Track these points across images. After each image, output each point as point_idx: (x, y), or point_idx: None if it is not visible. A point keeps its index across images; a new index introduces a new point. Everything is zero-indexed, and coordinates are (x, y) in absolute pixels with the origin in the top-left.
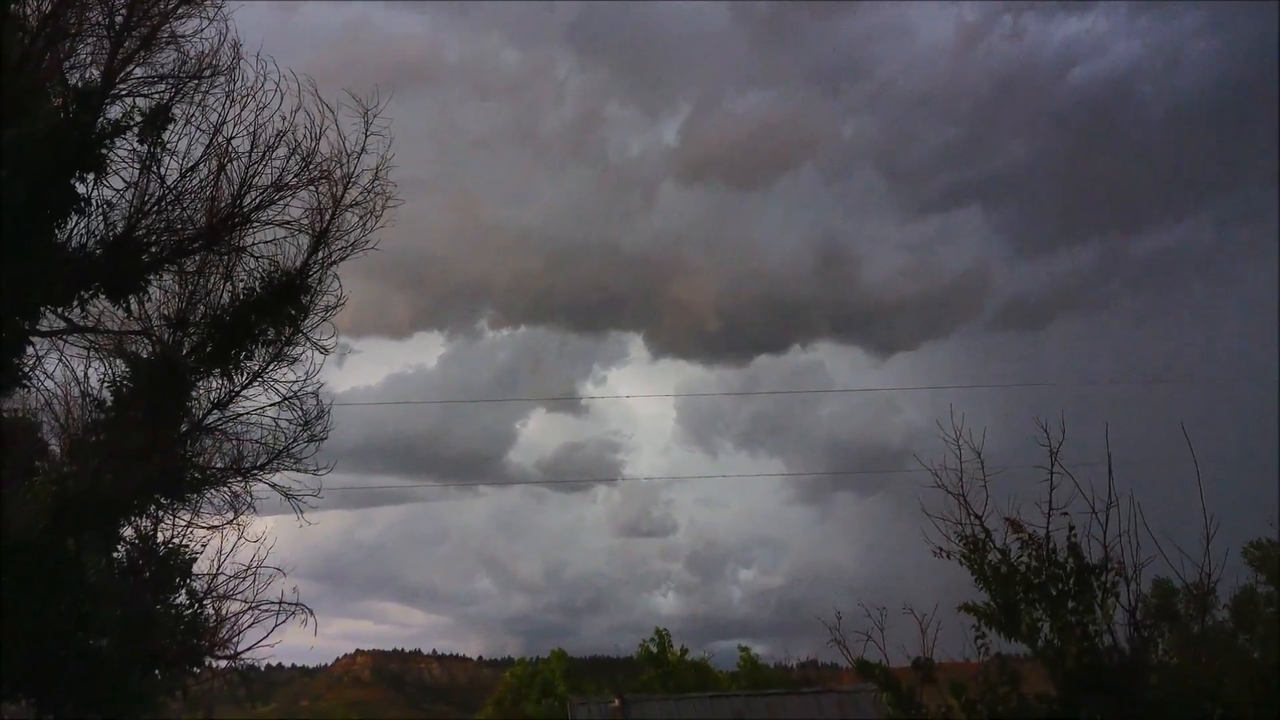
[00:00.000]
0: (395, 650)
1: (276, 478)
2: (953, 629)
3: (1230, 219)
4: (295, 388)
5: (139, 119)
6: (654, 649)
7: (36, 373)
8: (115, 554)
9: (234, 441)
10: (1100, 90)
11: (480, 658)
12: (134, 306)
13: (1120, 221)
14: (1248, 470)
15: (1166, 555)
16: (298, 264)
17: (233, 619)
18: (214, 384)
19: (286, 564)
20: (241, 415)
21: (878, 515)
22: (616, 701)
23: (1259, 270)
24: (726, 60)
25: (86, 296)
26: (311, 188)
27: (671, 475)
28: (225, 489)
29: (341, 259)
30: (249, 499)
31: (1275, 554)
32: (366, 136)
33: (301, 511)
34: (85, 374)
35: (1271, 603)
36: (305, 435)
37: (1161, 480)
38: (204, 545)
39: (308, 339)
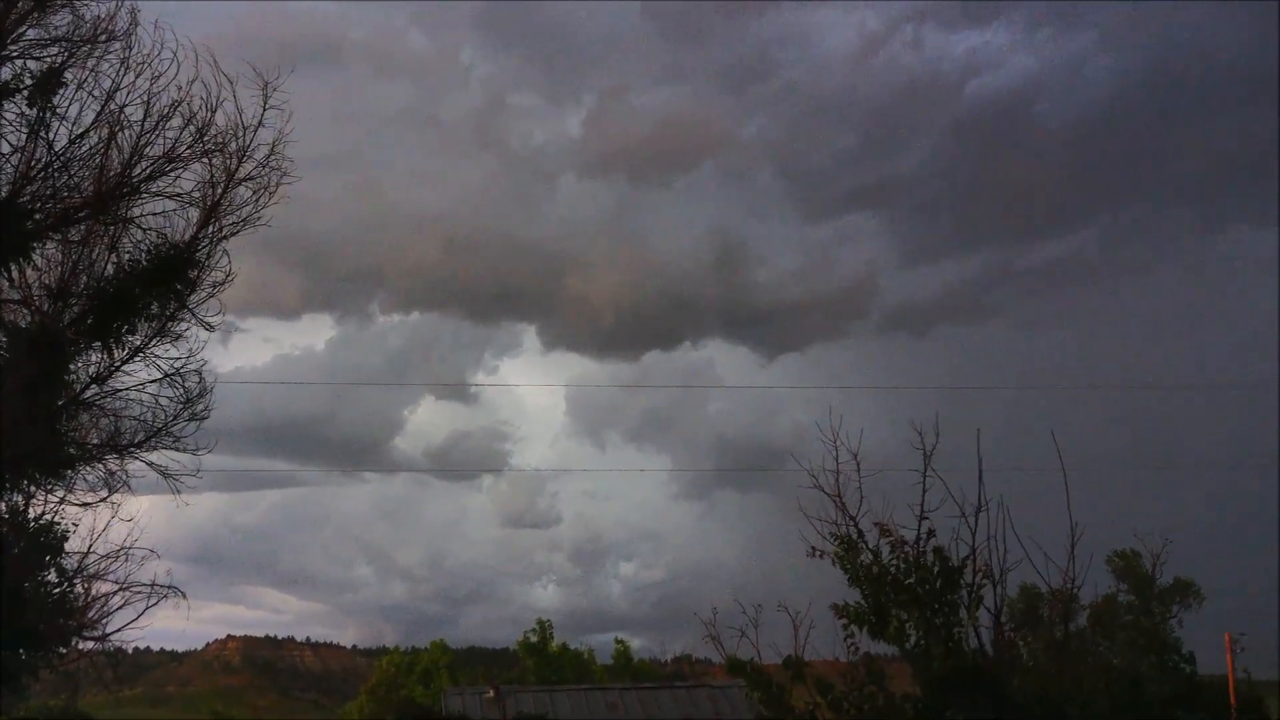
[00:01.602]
0: (268, 636)
1: (154, 456)
2: (826, 628)
3: (1116, 234)
4: (177, 365)
5: (29, 82)
6: (534, 640)
7: None
8: None
9: (112, 417)
10: (996, 103)
11: (355, 646)
12: (14, 274)
13: (1009, 232)
14: (1117, 478)
15: (1033, 560)
16: (186, 238)
17: (102, 600)
18: (93, 358)
19: (161, 545)
20: (121, 391)
21: (759, 513)
22: (491, 692)
23: (1142, 284)
24: (633, 55)
25: None
26: (205, 160)
27: (559, 467)
28: (101, 466)
29: (232, 235)
30: (125, 477)
31: (1136, 564)
32: (265, 110)
33: (179, 492)
34: None
35: (1132, 611)
36: (186, 414)
37: (1033, 487)
38: (76, 523)
39: (193, 315)
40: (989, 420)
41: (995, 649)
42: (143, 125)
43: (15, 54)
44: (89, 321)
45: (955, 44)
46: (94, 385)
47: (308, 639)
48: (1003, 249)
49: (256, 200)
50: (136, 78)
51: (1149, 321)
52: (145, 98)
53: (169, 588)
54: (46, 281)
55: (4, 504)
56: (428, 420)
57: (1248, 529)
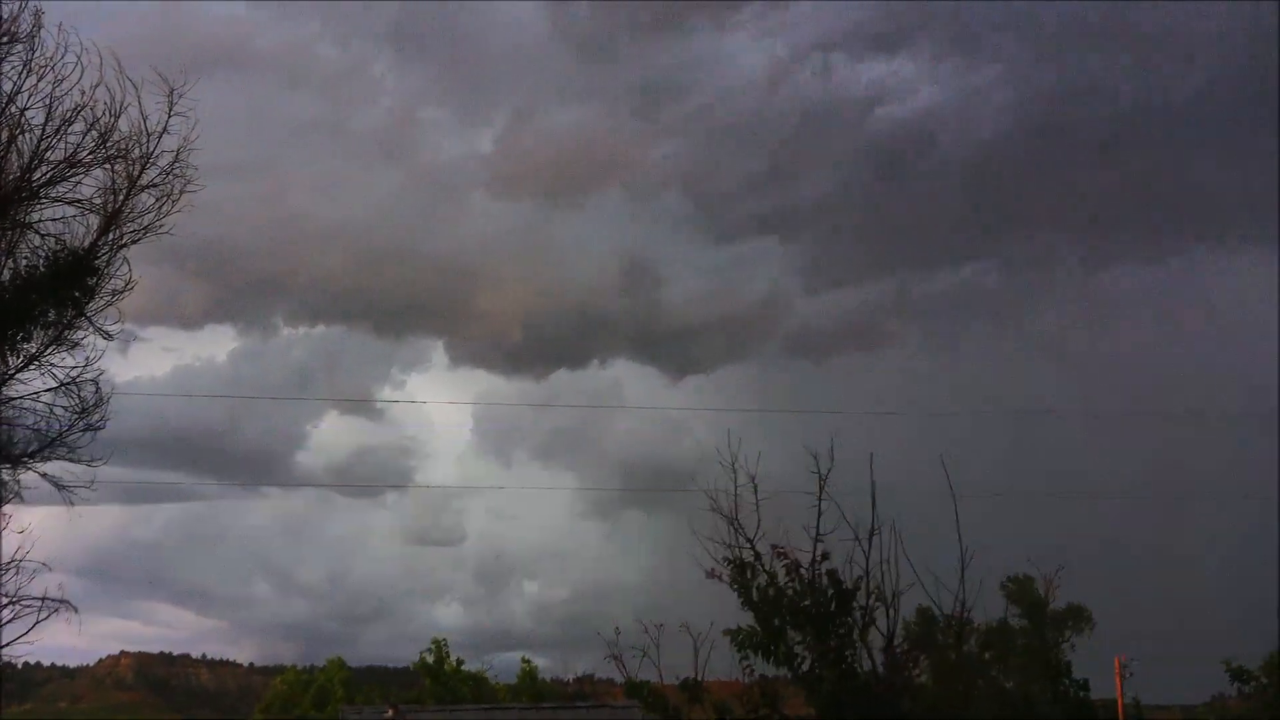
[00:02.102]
0: (163, 653)
1: (48, 467)
2: (725, 648)
3: (1013, 265)
4: (74, 373)
5: None
6: (430, 659)
7: None
8: None
9: (4, 426)
10: (900, 132)
11: (252, 664)
12: None
13: (911, 260)
14: (1011, 505)
15: (924, 584)
16: (86, 245)
17: None
18: None
19: (54, 558)
20: (14, 400)
21: (664, 534)
22: (390, 712)
23: (1040, 312)
24: (545, 74)
25: None
26: (107, 166)
27: (464, 484)
28: None
29: (133, 242)
30: (17, 488)
31: (1030, 589)
32: (170, 117)
33: (73, 504)
34: None
35: (1024, 635)
36: (81, 424)
37: (928, 511)
38: None
39: (91, 323)
40: (887, 446)
41: (887, 671)
42: (44, 129)
43: None
44: None
45: (862, 73)
46: None
47: (203, 656)
48: (904, 276)
49: (159, 208)
50: (39, 80)
51: (1042, 350)
52: (47, 101)
53: (61, 602)
54: None
55: None
56: (331, 435)
57: (1137, 556)
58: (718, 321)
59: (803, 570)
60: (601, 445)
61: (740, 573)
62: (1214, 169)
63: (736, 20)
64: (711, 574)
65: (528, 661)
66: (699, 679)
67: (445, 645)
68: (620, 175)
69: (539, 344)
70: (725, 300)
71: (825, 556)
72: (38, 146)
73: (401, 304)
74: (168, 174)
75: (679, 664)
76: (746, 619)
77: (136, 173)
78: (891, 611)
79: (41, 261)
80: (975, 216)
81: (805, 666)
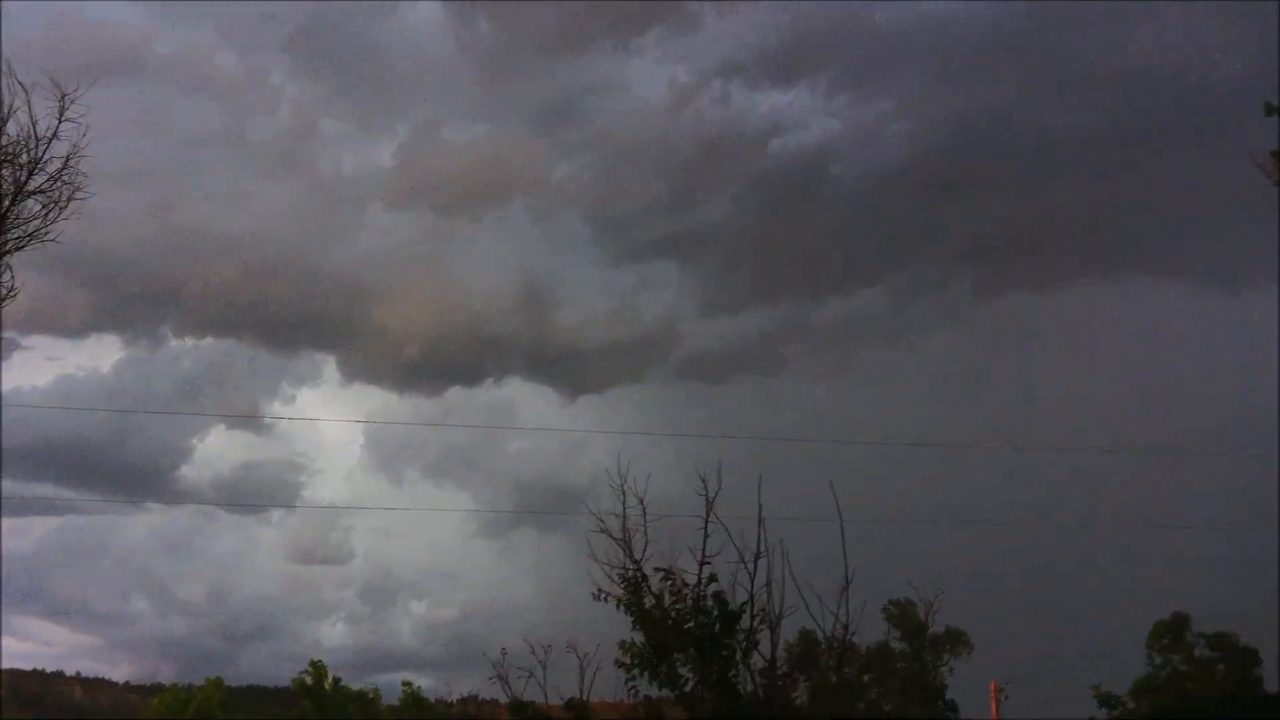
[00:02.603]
0: (36, 670)
1: None
2: (611, 669)
3: (906, 292)
4: None
5: None
6: (309, 680)
7: None
8: None
9: None
10: (796, 162)
11: (128, 682)
12: None
13: (805, 287)
14: (896, 531)
15: (809, 606)
16: None
17: None
18: None
19: None
20: None
21: (555, 554)
22: None
23: (932, 340)
24: (448, 89)
25: None
26: None
27: (353, 503)
28: None
29: (18, 249)
30: None
31: (911, 613)
32: (60, 122)
33: None
34: None
35: (904, 658)
36: None
37: (815, 535)
38: None
39: None
40: (779, 470)
41: (767, 692)
42: None
43: None
44: None
45: (760, 102)
46: None
47: (78, 674)
48: (799, 302)
49: (46, 214)
50: None
51: (931, 379)
52: None
53: None
54: None
55: None
56: (217, 450)
57: (1015, 583)
58: (614, 343)
59: (689, 592)
60: (495, 464)
61: (627, 594)
62: (1102, 200)
63: (640, 44)
64: (598, 596)
65: (409, 684)
66: (584, 699)
67: (324, 666)
68: (520, 194)
69: (434, 361)
70: (622, 322)
71: (712, 579)
72: None
73: (294, 317)
74: (56, 180)
75: (565, 685)
76: (632, 639)
77: (23, 178)
78: (774, 634)
79: None
80: (868, 245)
81: (689, 687)
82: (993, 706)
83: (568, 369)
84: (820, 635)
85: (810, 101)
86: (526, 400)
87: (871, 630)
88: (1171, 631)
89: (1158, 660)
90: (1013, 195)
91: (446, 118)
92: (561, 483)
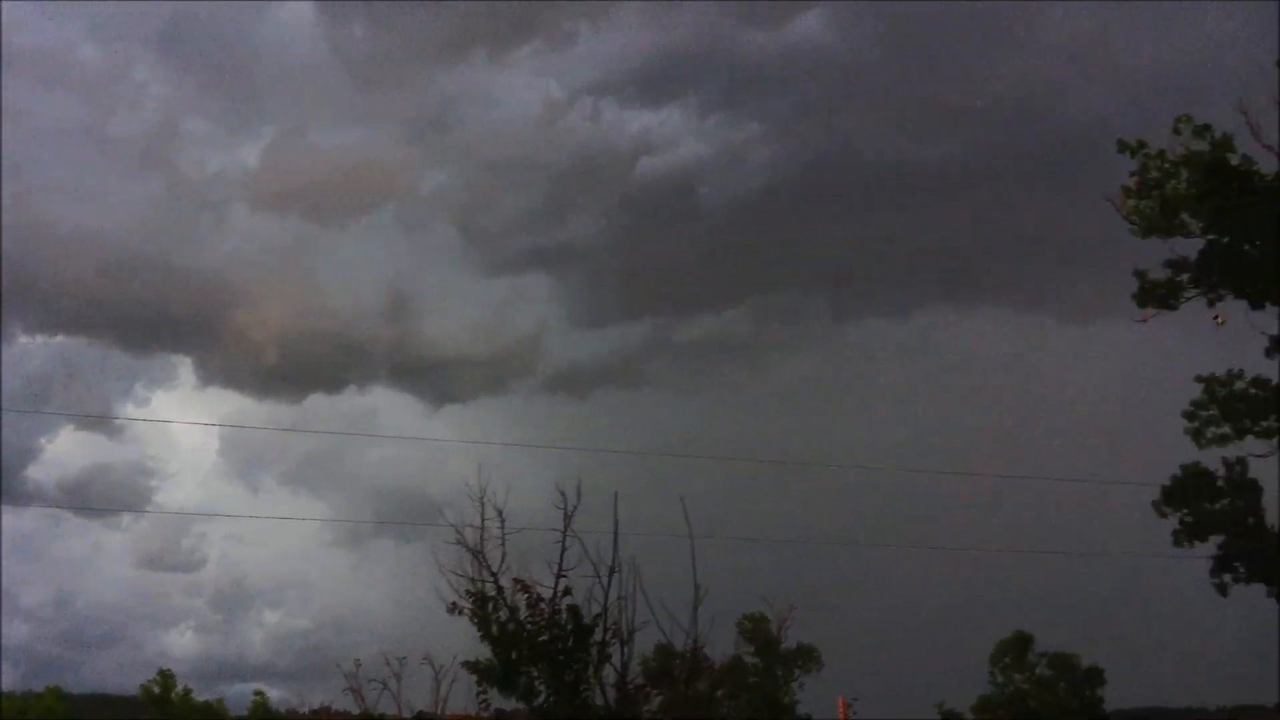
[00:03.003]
0: None
1: None
2: (467, 682)
3: (767, 313)
4: None
5: None
6: (157, 689)
7: None
8: None
9: None
10: (664, 181)
11: None
12: None
13: (670, 305)
14: (751, 547)
15: (659, 621)
16: None
17: None
18: None
19: None
20: None
21: (413, 565)
22: None
23: (791, 362)
24: (318, 93)
25: None
26: None
27: (207, 509)
28: None
29: None
30: None
31: (764, 628)
32: None
33: None
34: None
35: (757, 673)
36: None
37: (671, 550)
38: None
39: None
40: (639, 484)
41: (619, 706)
42: None
43: None
44: None
45: (630, 121)
46: None
47: None
48: (665, 319)
49: None
50: None
51: (789, 400)
52: None
53: None
54: None
55: None
56: (66, 451)
57: (865, 600)
58: (481, 353)
59: (544, 605)
60: (354, 473)
61: (481, 606)
62: (960, 232)
63: (514, 57)
64: (453, 609)
65: (259, 694)
66: (438, 712)
67: (172, 675)
68: (389, 201)
69: (294, 366)
70: (489, 333)
71: (567, 592)
72: None
73: (151, 317)
74: None
75: (420, 697)
76: (490, 653)
77: None
78: (626, 648)
79: None
80: (733, 266)
81: (542, 700)
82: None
83: (433, 378)
84: (677, 649)
85: (681, 122)
86: (389, 409)
87: (725, 644)
88: (1014, 650)
89: (1000, 679)
90: (872, 224)
91: (315, 122)
92: (422, 493)
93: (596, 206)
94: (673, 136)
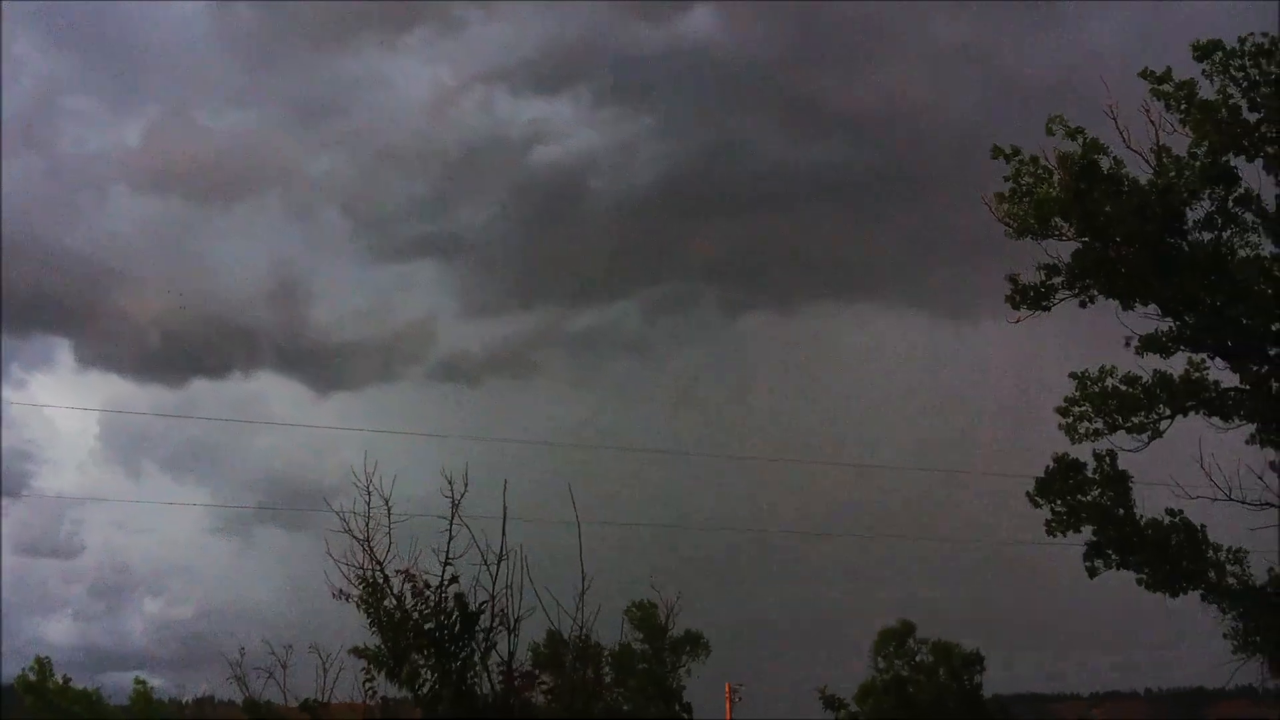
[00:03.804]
0: None
1: None
2: (354, 671)
3: (657, 306)
4: None
5: None
6: (33, 678)
7: None
8: None
9: None
10: (556, 172)
11: None
12: None
13: (561, 296)
14: (641, 536)
15: (545, 608)
16: None
17: None
18: None
19: None
20: None
21: (301, 553)
22: None
23: (680, 354)
24: (205, 74)
25: None
26: None
27: (86, 494)
28: None
29: None
30: None
31: (652, 616)
32: None
33: None
34: None
35: (646, 659)
36: None
37: (559, 538)
38: None
39: None
40: (529, 474)
41: (503, 692)
42: None
43: None
44: None
45: (523, 110)
46: None
47: None
48: (556, 310)
49: None
50: None
51: (677, 391)
52: None
53: None
54: None
55: None
56: None
57: (753, 588)
58: (370, 340)
59: (430, 593)
60: (239, 459)
61: (369, 594)
62: (848, 228)
63: (406, 43)
64: (339, 596)
65: (141, 682)
66: (323, 699)
67: (49, 663)
68: (276, 185)
69: (177, 350)
70: (379, 320)
71: (453, 580)
72: None
73: (28, 299)
74: None
75: (306, 686)
76: (376, 641)
77: None
78: (513, 635)
79: None
80: (623, 259)
81: (427, 688)
82: (727, 707)
83: (320, 365)
84: (563, 636)
85: (573, 113)
86: (275, 395)
87: (614, 632)
88: (897, 638)
89: (881, 665)
90: (761, 221)
91: (200, 102)
92: (308, 480)
93: (488, 195)
94: (565, 127)
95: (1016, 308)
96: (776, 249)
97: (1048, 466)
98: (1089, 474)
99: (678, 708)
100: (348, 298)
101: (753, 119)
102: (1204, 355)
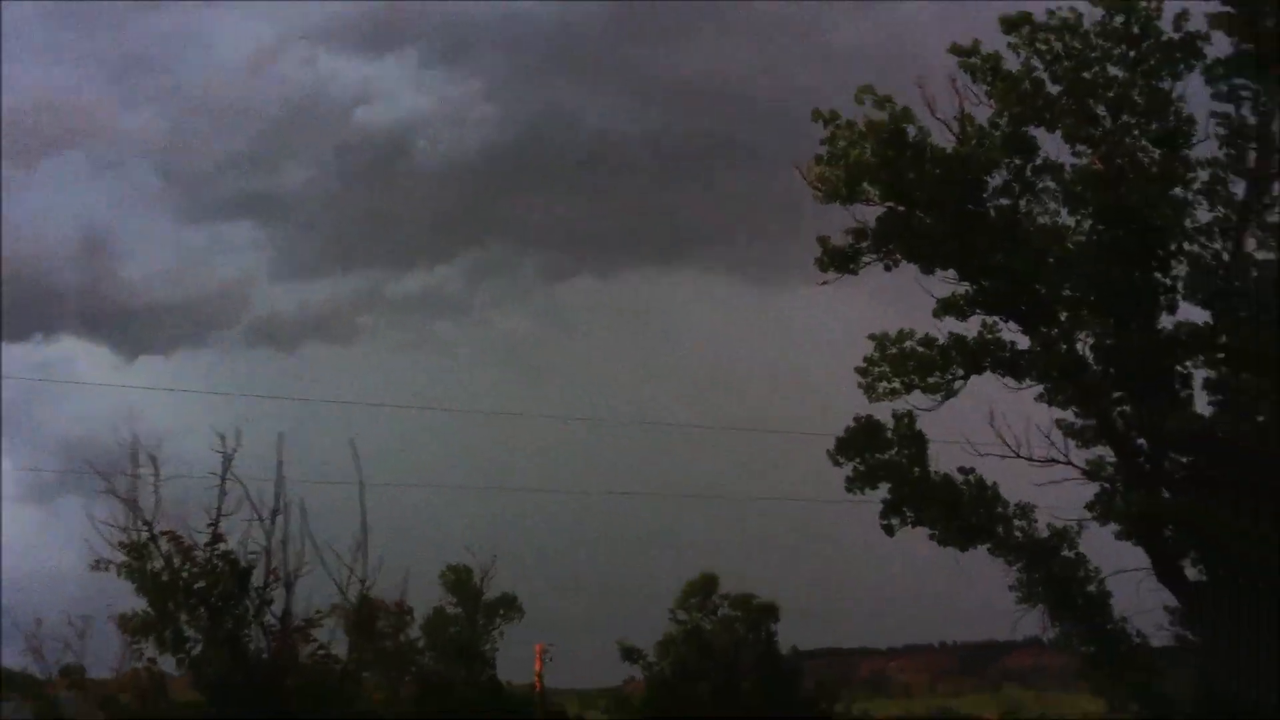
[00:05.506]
0: None
1: None
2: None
3: (480, 271)
4: None
5: None
6: None
7: None
8: None
9: None
10: (381, 134)
11: None
12: None
13: (383, 259)
14: (456, 499)
15: (326, 563)
16: None
17: None
18: None
19: None
20: None
21: (106, 519)
22: None
23: (502, 317)
24: (9, 28)
25: None
26: None
27: None
28: None
29: None
30: None
31: (467, 579)
32: None
33: None
34: None
35: (458, 623)
36: None
37: (375, 501)
38: None
39: None
40: (335, 437)
41: (274, 649)
42: None
43: None
44: None
45: (347, 70)
46: None
47: None
48: (378, 273)
49: None
50: None
51: (500, 354)
52: None
53: None
54: None
55: None
56: None
57: (567, 551)
58: (180, 302)
59: (197, 552)
60: (39, 425)
61: (137, 558)
62: (671, 197)
63: None
64: (97, 565)
65: None
66: (80, 665)
67: None
68: (83, 142)
69: None
70: (190, 281)
71: (220, 538)
72: None
73: None
74: None
75: (109, 657)
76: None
77: None
78: (289, 592)
79: None
80: (447, 223)
81: (197, 650)
82: (537, 667)
83: (128, 328)
84: (379, 602)
85: (399, 74)
86: (80, 359)
87: (429, 595)
88: (700, 591)
89: (683, 618)
90: (585, 188)
91: (9, 57)
92: (112, 446)
93: (309, 155)
94: (391, 89)
95: (825, 270)
96: (599, 216)
97: (848, 426)
98: (887, 434)
99: (488, 669)
100: (159, 257)
101: (580, 86)
102: (997, 318)
